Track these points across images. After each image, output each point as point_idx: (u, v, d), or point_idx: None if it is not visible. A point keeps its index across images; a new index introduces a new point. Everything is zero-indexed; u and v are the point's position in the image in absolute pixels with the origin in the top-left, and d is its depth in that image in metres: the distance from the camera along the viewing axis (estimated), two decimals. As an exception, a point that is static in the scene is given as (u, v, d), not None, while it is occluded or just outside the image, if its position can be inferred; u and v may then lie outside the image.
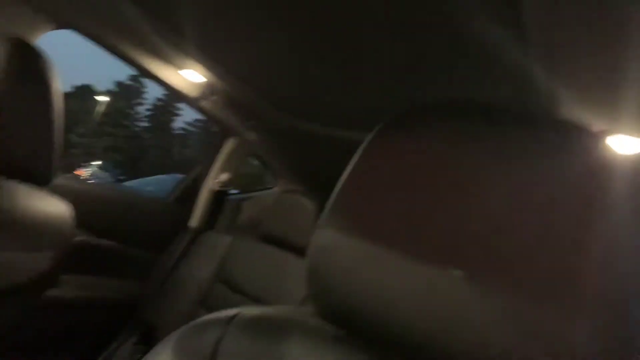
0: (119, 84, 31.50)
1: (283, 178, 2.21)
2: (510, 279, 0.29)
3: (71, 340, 1.46)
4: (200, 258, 1.64)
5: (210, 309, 1.05)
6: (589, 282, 0.28)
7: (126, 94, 31.52)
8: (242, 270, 1.51)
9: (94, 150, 28.20)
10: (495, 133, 0.34)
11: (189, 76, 1.38)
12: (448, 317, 0.30)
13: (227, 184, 1.84)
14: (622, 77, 0.50)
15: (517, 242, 0.30)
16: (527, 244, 0.30)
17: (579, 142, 0.32)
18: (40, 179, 0.83)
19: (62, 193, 0.88)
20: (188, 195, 1.86)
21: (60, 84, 0.84)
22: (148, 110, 33.55)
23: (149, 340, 1.46)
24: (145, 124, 33.30)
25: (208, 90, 1.46)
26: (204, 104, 1.52)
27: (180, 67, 1.33)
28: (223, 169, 1.83)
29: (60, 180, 1.27)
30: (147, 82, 31.94)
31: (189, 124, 36.09)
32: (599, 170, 0.31)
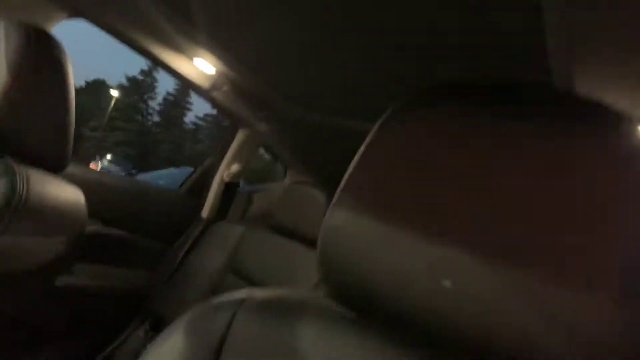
0: (131, 79, 31.78)
1: (293, 170, 2.21)
2: (527, 260, 0.28)
3: (82, 328, 1.47)
4: (211, 248, 1.65)
5: None
6: (608, 264, 0.27)
7: (138, 88, 31.80)
8: (253, 261, 1.52)
9: (106, 144, 28.55)
10: (512, 112, 0.33)
11: (201, 66, 1.38)
12: (461, 297, 0.30)
13: (238, 175, 1.84)
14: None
15: (534, 223, 0.29)
16: (545, 225, 0.29)
17: (600, 122, 0.31)
18: (54, 166, 0.84)
19: (75, 182, 0.89)
20: (199, 187, 1.87)
21: (73, 78, 0.85)
22: (159, 104, 33.84)
23: (159, 330, 1.47)
24: (157, 119, 33.59)
25: (219, 81, 1.46)
26: (215, 94, 1.52)
27: (191, 57, 1.33)
28: (234, 161, 1.83)
29: (72, 169, 1.28)
30: (158, 77, 32.20)
31: (199, 118, 36.34)
32: (626, 152, 0.30)
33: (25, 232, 0.72)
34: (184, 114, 34.56)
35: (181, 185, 1.92)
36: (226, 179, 1.82)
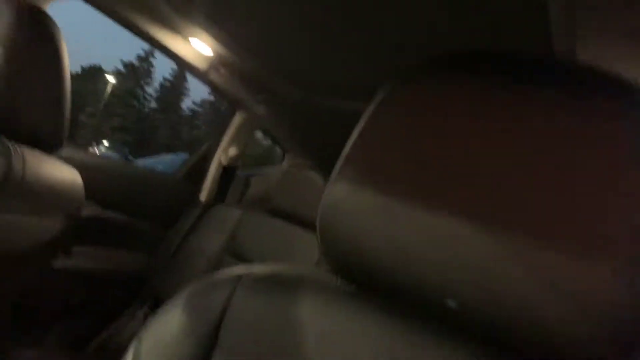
0: (127, 65, 31.47)
1: (291, 153, 2.20)
2: (530, 229, 0.28)
3: (81, 311, 1.48)
4: (209, 231, 1.65)
5: None
6: (612, 232, 0.27)
7: (134, 74, 31.53)
8: (252, 244, 1.52)
9: (103, 131, 28.40)
10: (511, 81, 0.33)
11: (198, 47, 1.36)
12: (463, 268, 0.30)
13: (236, 158, 1.83)
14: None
15: (537, 191, 0.29)
16: (548, 193, 0.28)
17: (604, 89, 0.31)
18: (49, 146, 0.83)
19: (72, 165, 0.88)
20: (197, 171, 1.87)
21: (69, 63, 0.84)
22: (156, 91, 33.61)
23: (159, 312, 1.48)
24: (154, 105, 33.38)
25: (216, 63, 1.45)
26: (213, 76, 1.50)
27: (188, 37, 1.31)
28: (232, 144, 1.82)
29: (70, 152, 1.27)
30: (155, 62, 31.90)
31: (197, 104, 36.13)
32: (631, 118, 0.29)
33: (22, 210, 0.72)
34: (181, 100, 34.34)
35: (178, 170, 1.91)
36: (224, 162, 1.82)
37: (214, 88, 1.62)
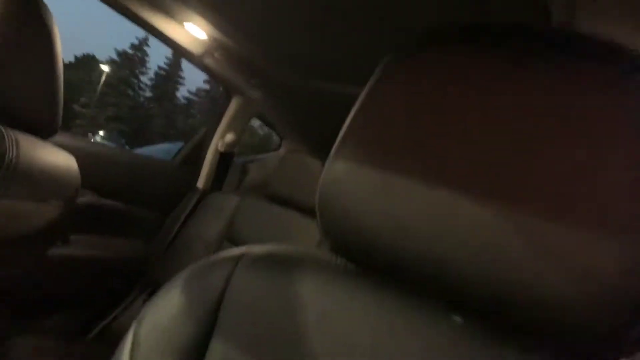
0: (121, 53, 31.17)
1: (288, 139, 2.19)
2: (529, 203, 0.28)
3: (80, 298, 1.48)
4: (207, 218, 1.65)
5: None
6: (614, 204, 0.26)
7: (128, 63, 31.25)
8: (250, 230, 1.52)
9: (98, 121, 28.23)
10: (510, 52, 0.32)
11: (193, 32, 1.34)
12: (463, 243, 0.29)
13: (233, 145, 1.82)
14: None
15: (539, 163, 0.28)
16: (550, 165, 0.28)
17: (604, 58, 0.30)
18: (44, 131, 0.82)
19: (67, 151, 0.87)
20: (194, 157, 1.86)
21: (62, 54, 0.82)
22: (150, 80, 33.38)
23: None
24: (149, 94, 33.17)
25: (211, 47, 1.43)
26: (207, 61, 1.49)
27: (182, 22, 1.29)
28: (228, 130, 1.81)
29: (66, 140, 1.26)
30: (149, 51, 31.62)
31: (192, 93, 35.92)
32: (635, 88, 0.28)
33: (17, 195, 0.71)
34: (176, 89, 34.12)
35: (175, 156, 1.89)
36: (221, 149, 1.81)
37: (210, 73, 1.61)
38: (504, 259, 0.28)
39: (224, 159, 1.85)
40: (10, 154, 0.68)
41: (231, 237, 1.54)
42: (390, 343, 0.33)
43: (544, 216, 0.27)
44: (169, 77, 33.41)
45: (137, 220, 1.65)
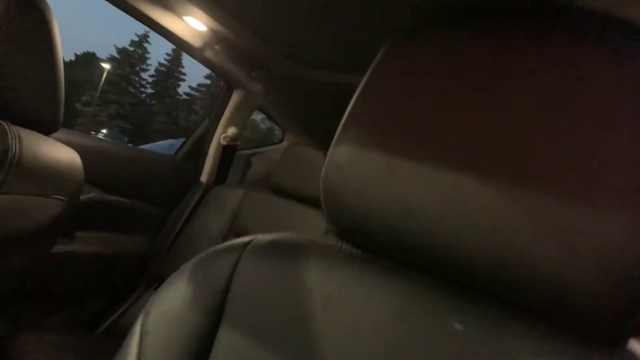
0: (121, 51, 31.15)
1: (290, 131, 2.18)
2: (537, 182, 0.27)
3: (88, 294, 1.49)
4: (211, 212, 1.65)
5: None
6: (624, 182, 0.26)
7: (129, 60, 31.25)
8: (254, 223, 1.52)
9: (100, 119, 28.28)
10: (512, 31, 0.32)
11: (193, 24, 1.33)
12: (469, 223, 0.29)
13: (235, 138, 1.81)
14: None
15: (543, 143, 0.28)
16: (553, 144, 0.27)
17: (607, 33, 0.29)
18: (46, 127, 0.82)
19: (70, 147, 0.87)
20: (196, 152, 1.85)
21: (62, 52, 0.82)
22: (151, 76, 33.37)
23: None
24: (150, 90, 33.19)
25: (211, 39, 1.42)
26: (208, 54, 1.48)
27: (181, 15, 1.28)
28: (230, 123, 1.80)
29: (69, 136, 1.26)
30: (150, 48, 31.59)
31: (193, 88, 35.89)
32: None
33: (20, 191, 0.71)
34: (177, 85, 34.12)
35: (177, 151, 1.89)
36: (223, 142, 1.80)
37: (211, 67, 1.60)
38: (512, 240, 0.28)
39: (227, 152, 1.84)
40: (14, 149, 0.68)
41: (236, 231, 1.54)
42: (396, 328, 0.33)
43: (550, 195, 0.27)
44: (170, 73, 33.40)
45: (141, 216, 1.66)
